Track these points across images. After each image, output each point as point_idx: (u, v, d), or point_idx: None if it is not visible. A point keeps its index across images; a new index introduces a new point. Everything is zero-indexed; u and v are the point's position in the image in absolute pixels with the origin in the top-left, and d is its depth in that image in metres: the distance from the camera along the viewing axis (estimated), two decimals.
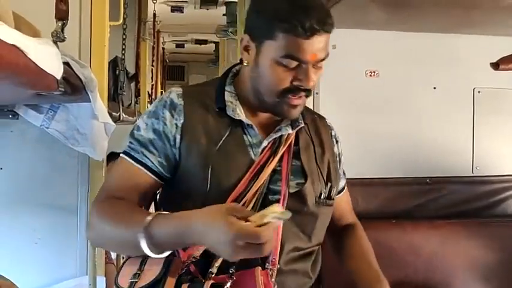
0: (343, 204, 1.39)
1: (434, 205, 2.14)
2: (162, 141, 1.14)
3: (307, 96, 1.15)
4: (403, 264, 1.94)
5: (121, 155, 1.17)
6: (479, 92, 2.20)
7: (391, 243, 1.94)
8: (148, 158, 1.13)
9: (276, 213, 0.93)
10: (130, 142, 1.16)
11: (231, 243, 0.90)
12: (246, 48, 1.15)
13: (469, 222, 2.08)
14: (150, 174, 1.13)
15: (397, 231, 1.97)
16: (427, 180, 2.14)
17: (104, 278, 1.77)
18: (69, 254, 1.72)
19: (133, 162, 1.14)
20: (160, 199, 1.24)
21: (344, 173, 1.39)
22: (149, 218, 1.00)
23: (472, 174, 2.20)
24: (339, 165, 1.33)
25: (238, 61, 1.26)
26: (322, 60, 1.11)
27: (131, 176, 1.14)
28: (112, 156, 2.95)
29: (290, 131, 1.20)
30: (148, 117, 1.17)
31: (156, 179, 1.14)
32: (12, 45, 0.80)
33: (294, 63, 1.09)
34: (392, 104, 2.14)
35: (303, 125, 1.24)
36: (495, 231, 2.06)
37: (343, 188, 1.39)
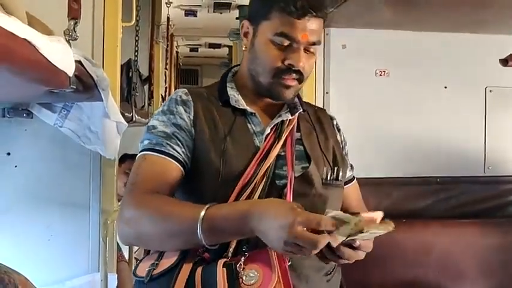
0: (352, 195, 1.39)
1: (445, 205, 2.13)
2: (182, 134, 1.19)
3: (299, 80, 1.21)
4: (413, 264, 1.94)
5: (143, 152, 1.19)
6: (490, 91, 2.18)
7: (402, 242, 1.93)
8: (175, 150, 1.17)
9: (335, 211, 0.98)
10: (150, 139, 1.19)
11: (289, 227, 0.93)
12: (246, 34, 1.24)
13: (481, 222, 2.07)
14: (178, 165, 1.17)
15: (408, 231, 1.97)
16: (438, 180, 2.13)
17: (116, 275, 1.79)
18: (82, 250, 1.73)
19: (160, 155, 1.17)
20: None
21: (352, 166, 1.40)
22: (206, 206, 1.04)
23: (484, 174, 2.19)
24: (344, 152, 1.37)
25: None
26: (314, 44, 1.19)
27: (161, 169, 1.16)
28: (124, 158, 3.00)
29: (290, 117, 1.26)
30: (163, 115, 1.22)
31: (183, 170, 1.18)
32: (24, 39, 0.82)
33: (286, 42, 1.16)
34: (403, 104, 2.14)
35: (301, 110, 1.29)
36: (507, 231, 2.05)
37: (351, 180, 1.40)
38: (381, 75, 2.14)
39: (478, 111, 2.19)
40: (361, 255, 1.04)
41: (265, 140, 1.21)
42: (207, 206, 1.04)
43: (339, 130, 1.39)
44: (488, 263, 1.97)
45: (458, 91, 2.18)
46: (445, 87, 2.17)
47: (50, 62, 0.98)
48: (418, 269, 1.95)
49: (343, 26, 2.07)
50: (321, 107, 1.47)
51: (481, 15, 1.91)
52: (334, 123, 1.39)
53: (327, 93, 2.09)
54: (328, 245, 0.98)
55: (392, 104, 2.13)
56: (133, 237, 1.16)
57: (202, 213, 1.03)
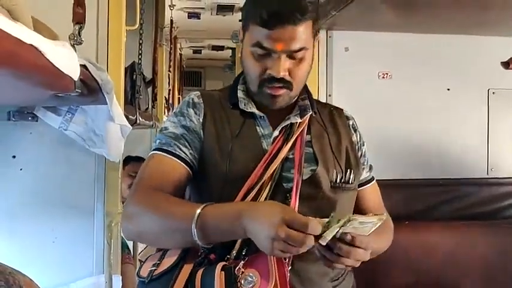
0: (370, 196, 1.36)
1: (448, 207, 2.13)
2: (191, 135, 1.21)
3: (288, 88, 1.19)
4: (416, 266, 1.94)
5: (152, 152, 1.22)
6: (493, 92, 2.19)
7: (404, 245, 1.93)
8: (181, 150, 1.19)
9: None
10: (160, 140, 1.22)
11: (277, 225, 0.93)
12: (241, 41, 1.25)
13: (484, 224, 2.07)
14: (184, 165, 1.19)
15: (410, 233, 1.97)
16: (441, 182, 2.13)
17: (120, 277, 1.80)
18: (86, 252, 1.74)
19: (167, 155, 1.19)
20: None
21: (371, 167, 1.39)
22: (203, 205, 1.05)
23: (487, 176, 2.19)
24: (360, 153, 1.34)
25: None
26: (298, 51, 1.15)
27: (166, 168, 1.18)
28: (128, 160, 3.01)
29: (299, 120, 1.25)
30: (175, 117, 1.25)
31: (189, 170, 1.19)
32: (30, 45, 0.83)
33: (263, 52, 1.15)
34: (406, 106, 2.15)
35: (310, 112, 1.28)
36: (511, 234, 2.04)
37: (369, 181, 1.37)
38: (383, 77, 2.15)
39: (480, 113, 2.19)
40: (361, 253, 1.01)
41: (273, 143, 1.21)
42: (203, 205, 1.05)
43: (355, 130, 1.36)
44: (491, 265, 1.97)
45: (461, 93, 2.18)
46: (448, 89, 2.18)
47: (55, 66, 1.00)
48: (420, 271, 1.95)
49: (345, 28, 2.08)
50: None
51: (483, 17, 1.92)
52: (351, 123, 1.37)
53: (329, 95, 2.10)
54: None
55: (395, 106, 2.14)
56: (134, 233, 1.19)
57: (198, 211, 1.03)
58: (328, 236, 0.96)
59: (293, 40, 1.13)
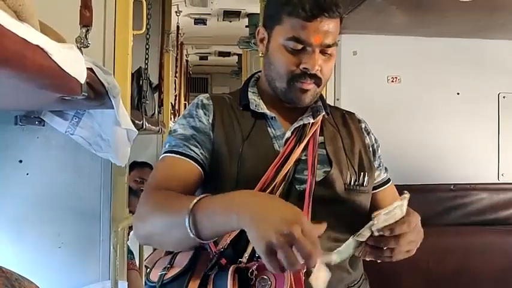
0: (387, 198, 1.31)
1: (459, 212, 2.11)
2: (201, 136, 1.19)
3: (317, 84, 1.18)
4: (427, 272, 1.91)
5: (162, 155, 1.20)
6: (504, 97, 2.16)
7: (416, 250, 1.90)
8: (192, 151, 1.17)
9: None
10: (170, 142, 1.20)
11: (298, 216, 0.84)
12: (262, 40, 1.23)
13: (495, 229, 2.04)
14: (195, 164, 1.16)
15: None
16: (451, 187, 2.11)
17: (126, 283, 1.78)
18: (92, 258, 1.73)
19: (178, 156, 1.17)
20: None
21: (386, 168, 1.37)
22: (200, 196, 0.98)
23: (498, 181, 2.16)
24: (374, 156, 1.32)
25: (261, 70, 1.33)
26: (330, 46, 1.15)
27: (177, 169, 1.16)
28: (134, 166, 3.00)
29: (312, 120, 1.23)
30: (183, 119, 1.24)
31: (201, 170, 1.17)
32: (36, 46, 0.82)
33: (299, 46, 1.14)
34: (415, 110, 2.13)
35: (323, 113, 1.26)
36: None
37: (386, 182, 1.35)
38: (392, 81, 2.13)
39: (491, 117, 2.17)
40: (409, 236, 1.00)
41: (285, 144, 1.19)
42: (201, 196, 0.98)
43: (368, 133, 1.35)
44: (503, 271, 1.94)
45: (471, 97, 2.16)
46: (458, 94, 2.16)
47: (62, 68, 0.98)
48: (433, 277, 1.92)
49: (354, 32, 2.06)
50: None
51: (493, 20, 1.90)
52: (363, 126, 1.35)
53: (337, 99, 2.09)
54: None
55: (405, 111, 2.12)
56: (144, 235, 1.13)
57: (194, 201, 0.96)
58: (364, 236, 0.96)
59: (328, 34, 1.13)
